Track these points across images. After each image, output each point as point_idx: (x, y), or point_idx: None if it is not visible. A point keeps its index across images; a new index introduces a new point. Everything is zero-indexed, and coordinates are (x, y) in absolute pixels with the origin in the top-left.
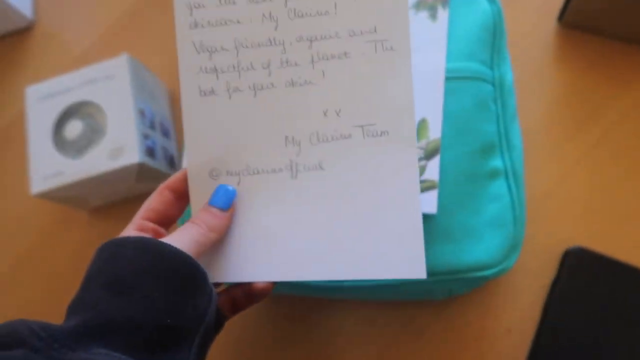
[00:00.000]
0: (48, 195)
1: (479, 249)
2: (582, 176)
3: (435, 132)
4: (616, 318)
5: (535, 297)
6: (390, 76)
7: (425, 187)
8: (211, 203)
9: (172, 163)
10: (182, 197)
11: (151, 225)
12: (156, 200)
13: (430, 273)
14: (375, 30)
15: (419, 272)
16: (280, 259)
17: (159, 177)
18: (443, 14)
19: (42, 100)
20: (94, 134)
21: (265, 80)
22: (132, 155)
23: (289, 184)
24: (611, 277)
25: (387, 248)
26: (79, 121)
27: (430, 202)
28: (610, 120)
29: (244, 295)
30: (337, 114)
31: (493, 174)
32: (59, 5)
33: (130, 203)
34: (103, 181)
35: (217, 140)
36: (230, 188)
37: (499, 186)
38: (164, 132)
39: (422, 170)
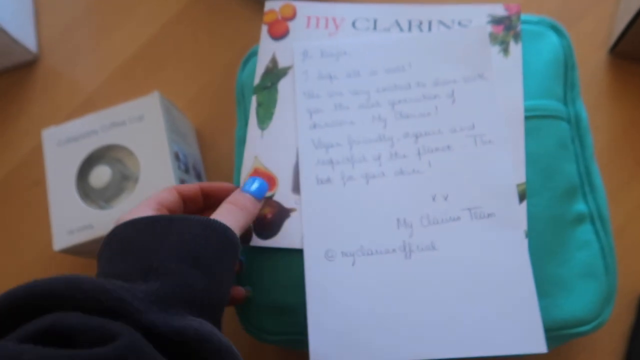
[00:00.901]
0: (72, 250)
1: (571, 302)
2: None
3: (519, 176)
4: None
5: (616, 345)
6: (491, 164)
7: None
8: (246, 191)
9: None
10: (187, 204)
11: (163, 209)
12: (166, 197)
13: None
14: (473, 127)
15: (539, 346)
16: (398, 339)
17: None
18: (516, 49)
19: (62, 145)
20: (124, 180)
21: (376, 170)
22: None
23: (402, 264)
24: None
25: (504, 324)
26: (107, 167)
27: None
28: None
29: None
30: (445, 199)
31: (578, 219)
32: (64, 40)
33: None
34: None
35: (333, 223)
36: (263, 181)
37: (585, 232)
38: (197, 175)
39: None
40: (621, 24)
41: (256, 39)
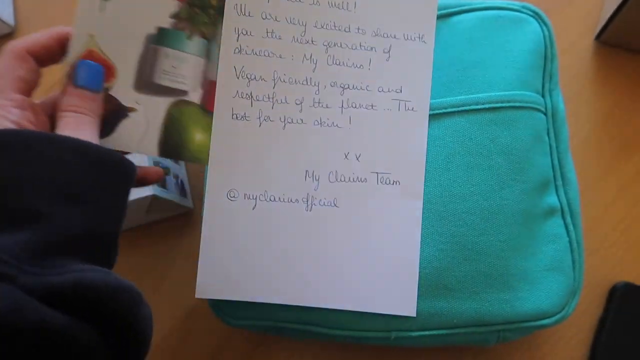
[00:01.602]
0: None
1: (536, 296)
2: (626, 205)
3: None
4: None
5: (583, 336)
6: (408, 133)
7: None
8: (82, 85)
9: (184, 191)
10: (41, 63)
11: (27, 100)
12: (23, 67)
13: (486, 323)
14: (400, 91)
15: (409, 311)
16: (285, 283)
17: (170, 207)
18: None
19: None
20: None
21: (296, 115)
22: (145, 188)
23: (302, 216)
24: None
25: (385, 285)
26: None
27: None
28: None
29: (138, 183)
30: (357, 158)
31: (549, 212)
32: (40, 12)
33: (135, 232)
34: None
35: (241, 163)
36: (98, 66)
37: (555, 225)
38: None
39: None
40: (608, 12)
41: None
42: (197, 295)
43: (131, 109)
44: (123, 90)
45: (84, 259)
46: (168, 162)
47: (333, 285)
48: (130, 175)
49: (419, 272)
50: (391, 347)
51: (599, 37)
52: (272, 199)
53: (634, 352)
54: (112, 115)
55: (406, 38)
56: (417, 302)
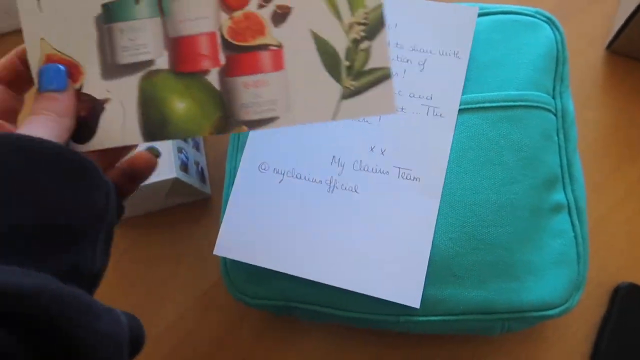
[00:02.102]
0: None
1: (542, 287)
2: (632, 207)
3: None
4: None
5: (586, 332)
6: (433, 136)
7: (376, 78)
8: (45, 89)
9: (203, 177)
10: (16, 87)
11: None
12: None
13: (492, 311)
14: (431, 98)
15: (414, 301)
16: (299, 256)
17: (190, 192)
18: None
19: None
20: None
21: None
22: (168, 170)
23: (324, 196)
24: None
25: (394, 274)
26: None
27: (385, 99)
28: None
29: (127, 177)
30: (382, 153)
31: (556, 209)
32: None
33: (151, 216)
34: (135, 196)
35: (275, 141)
36: (57, 66)
37: (562, 221)
38: (195, 144)
39: (366, 55)
40: (619, 22)
41: None
42: (215, 252)
43: (105, 101)
44: (93, 83)
45: (10, 255)
46: (190, 148)
47: (345, 265)
48: (76, 167)
49: (429, 259)
50: (399, 334)
51: (609, 46)
52: (299, 176)
53: (636, 352)
54: (92, 114)
55: (441, 54)
56: (426, 288)
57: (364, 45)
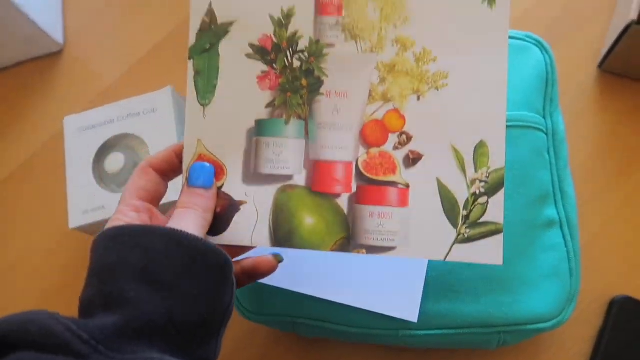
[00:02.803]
0: (86, 229)
1: (535, 300)
2: (625, 222)
3: (498, 159)
4: None
5: (582, 346)
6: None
7: (488, 231)
8: (193, 184)
9: None
10: (166, 176)
11: (145, 204)
12: (143, 179)
13: (487, 325)
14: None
15: (412, 316)
16: (303, 274)
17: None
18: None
19: (81, 132)
20: (136, 167)
21: None
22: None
23: None
24: None
25: (393, 290)
26: (121, 154)
27: (493, 250)
28: None
29: (246, 275)
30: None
31: (548, 224)
32: (89, 32)
33: None
34: None
35: None
36: (207, 165)
37: (554, 236)
38: None
39: (483, 209)
40: (610, 41)
41: None
42: None
43: (241, 202)
44: (233, 185)
45: (163, 347)
46: None
47: (345, 282)
48: (222, 266)
49: (426, 275)
50: (398, 348)
51: (601, 65)
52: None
53: None
54: (227, 211)
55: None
56: (423, 303)
57: (482, 200)
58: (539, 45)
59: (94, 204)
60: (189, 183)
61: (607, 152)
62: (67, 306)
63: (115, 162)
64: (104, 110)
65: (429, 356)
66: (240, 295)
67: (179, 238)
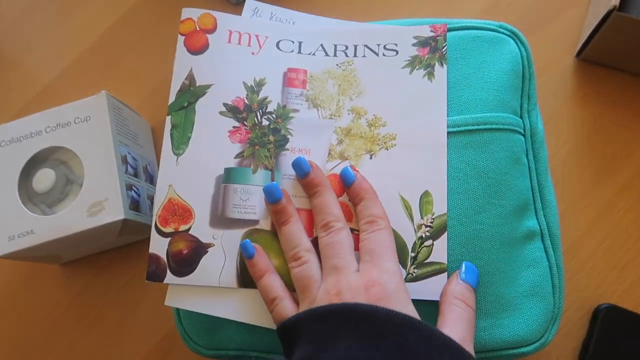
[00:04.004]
0: (13, 256)
1: (516, 323)
2: (609, 224)
3: (440, 206)
4: None
5: (567, 358)
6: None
7: (433, 270)
8: (466, 280)
9: None
10: None
11: None
12: None
13: None
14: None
15: None
16: (251, 305)
17: (144, 229)
18: (441, 73)
19: (4, 145)
20: (68, 185)
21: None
22: (115, 212)
23: None
24: None
25: None
26: (51, 170)
27: (439, 288)
28: (638, 160)
29: None
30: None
31: (528, 236)
32: (21, 29)
33: (108, 254)
34: (80, 239)
35: None
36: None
37: (534, 249)
38: (148, 178)
39: (429, 251)
40: (588, 29)
41: None
42: (166, 303)
43: (209, 245)
44: (201, 228)
45: None
46: (142, 182)
47: None
48: None
49: None
50: None
51: (579, 54)
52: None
53: None
54: (194, 253)
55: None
56: None
57: (427, 242)
58: (514, 36)
59: (21, 228)
60: (463, 277)
61: (588, 149)
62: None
63: (44, 179)
64: (30, 121)
65: None
66: (187, 327)
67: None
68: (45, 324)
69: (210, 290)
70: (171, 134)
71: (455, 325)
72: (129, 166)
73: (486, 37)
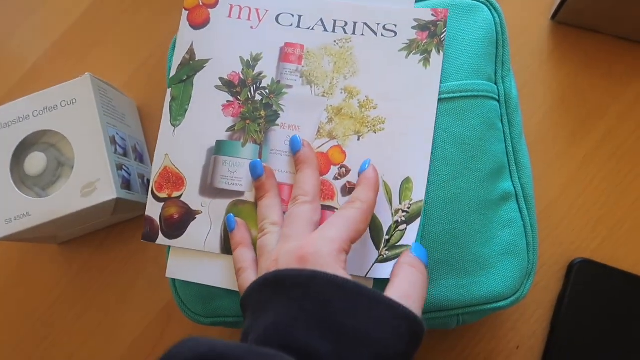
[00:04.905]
0: (12, 238)
1: (493, 280)
2: (585, 183)
3: (419, 193)
4: (623, 329)
5: (543, 311)
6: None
7: (401, 253)
8: (419, 256)
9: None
10: None
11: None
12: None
13: (444, 308)
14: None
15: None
16: None
17: (137, 207)
18: (437, 60)
19: None
20: (60, 167)
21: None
22: (107, 192)
23: None
24: (616, 287)
25: None
26: (42, 153)
27: None
28: (610, 120)
29: None
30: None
31: (503, 198)
32: (0, 13)
33: (104, 232)
34: (75, 219)
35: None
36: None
37: (510, 210)
38: (138, 157)
39: (401, 235)
40: None
41: None
42: (167, 275)
43: (197, 212)
44: (191, 196)
45: None
46: (132, 162)
47: None
48: (421, 337)
49: None
50: None
51: (554, 17)
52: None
53: (591, 325)
54: (184, 218)
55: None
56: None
57: (402, 227)
58: (488, 3)
59: (17, 211)
60: (414, 251)
61: (564, 110)
62: (9, 310)
63: (35, 162)
64: (16, 105)
65: None
66: (184, 298)
67: (405, 316)
68: (46, 303)
69: (204, 260)
70: (170, 106)
71: (401, 284)
72: (118, 146)
73: (460, 4)
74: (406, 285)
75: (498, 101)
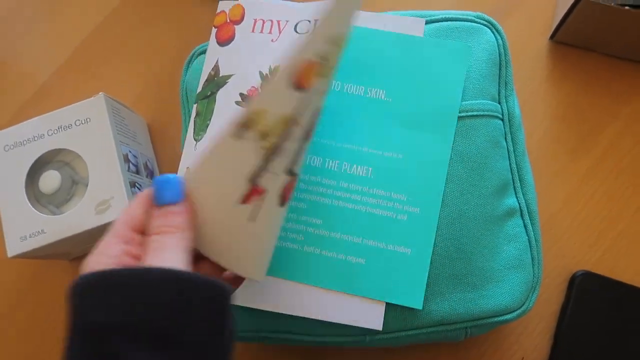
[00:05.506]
0: (26, 255)
1: (500, 293)
2: (585, 197)
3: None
4: (626, 341)
5: (546, 324)
6: None
7: None
8: (161, 202)
9: None
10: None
11: (137, 237)
12: (136, 215)
13: (453, 322)
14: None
15: (377, 325)
16: (267, 291)
17: None
18: None
19: (9, 150)
20: (74, 185)
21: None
22: (105, 215)
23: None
24: (618, 299)
25: (358, 302)
26: (56, 172)
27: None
28: (610, 137)
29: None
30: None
31: (508, 214)
32: (11, 31)
33: None
34: (90, 236)
35: None
36: (171, 176)
37: (515, 226)
38: (149, 174)
39: None
40: (561, 11)
41: (206, 27)
42: None
43: None
44: None
45: None
46: (144, 179)
47: (309, 295)
48: (227, 298)
49: None
50: (369, 348)
51: (553, 36)
52: None
53: (594, 337)
54: None
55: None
56: (389, 308)
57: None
58: (490, 25)
59: (32, 228)
60: (157, 201)
61: (564, 128)
62: (21, 325)
63: (50, 181)
64: (31, 124)
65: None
66: None
67: (172, 280)
68: (59, 317)
69: None
70: (195, 121)
71: (156, 256)
72: (130, 164)
73: (464, 28)
74: (160, 256)
75: (502, 120)
